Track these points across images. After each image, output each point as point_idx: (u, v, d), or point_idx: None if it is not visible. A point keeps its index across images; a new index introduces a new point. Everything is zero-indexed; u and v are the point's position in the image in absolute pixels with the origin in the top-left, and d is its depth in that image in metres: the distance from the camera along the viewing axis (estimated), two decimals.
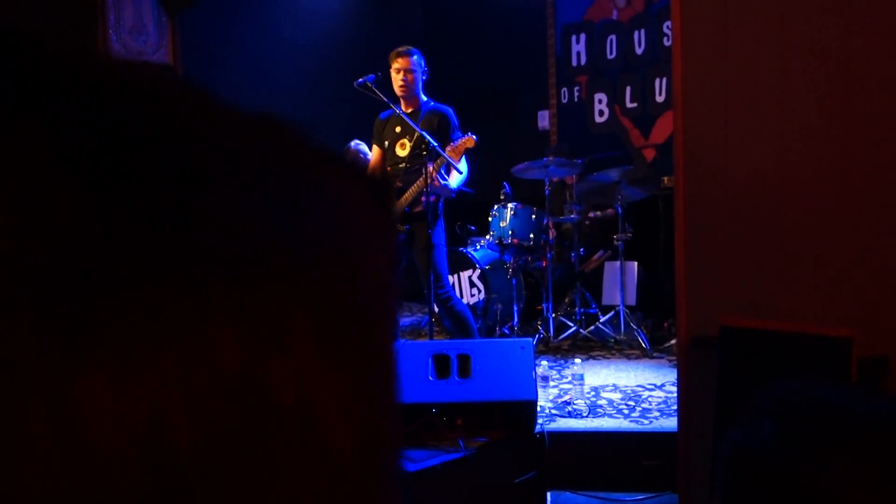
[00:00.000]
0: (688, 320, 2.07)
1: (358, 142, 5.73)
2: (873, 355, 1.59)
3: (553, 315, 4.86)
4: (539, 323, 4.96)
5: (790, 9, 2.02)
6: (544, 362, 3.94)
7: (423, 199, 3.70)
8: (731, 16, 2.02)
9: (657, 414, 3.35)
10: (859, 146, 1.83)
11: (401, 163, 3.95)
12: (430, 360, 3.14)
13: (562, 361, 4.43)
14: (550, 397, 3.63)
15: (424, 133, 3.61)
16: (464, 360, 3.14)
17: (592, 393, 3.72)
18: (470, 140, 3.58)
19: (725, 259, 1.98)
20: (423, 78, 3.97)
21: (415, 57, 3.90)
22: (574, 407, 3.46)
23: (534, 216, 5.00)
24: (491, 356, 3.13)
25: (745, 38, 2.10)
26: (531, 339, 3.35)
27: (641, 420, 3.28)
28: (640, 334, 4.62)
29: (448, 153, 3.61)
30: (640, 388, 3.79)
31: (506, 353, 3.13)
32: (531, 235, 4.97)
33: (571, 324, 4.91)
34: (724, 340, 1.70)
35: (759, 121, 2.03)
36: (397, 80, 3.90)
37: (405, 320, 5.68)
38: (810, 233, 1.86)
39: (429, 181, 3.60)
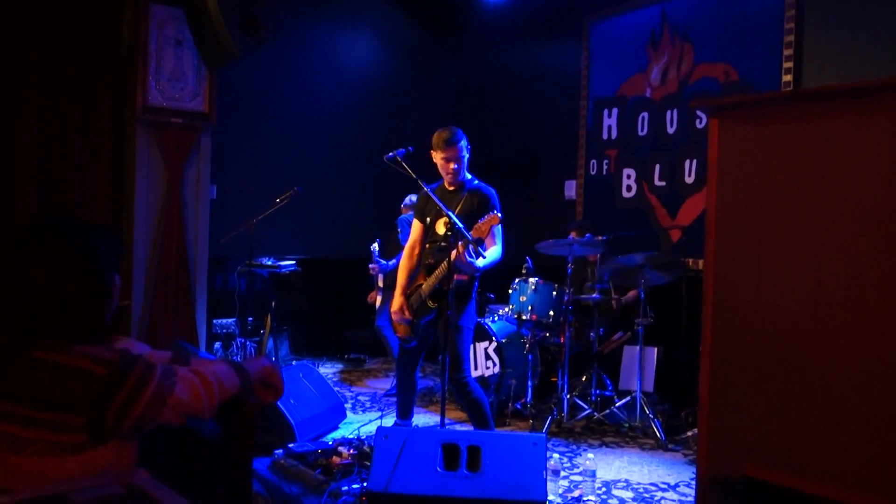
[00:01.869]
0: (709, 459, 2.00)
1: (412, 197, 5.78)
2: None
3: (567, 395, 4.78)
4: (553, 402, 4.88)
5: (832, 141, 1.98)
6: (556, 454, 3.85)
7: (456, 277, 3.66)
8: (770, 143, 1.98)
9: None
10: None
11: (438, 241, 3.94)
12: (439, 449, 3.08)
13: (574, 447, 4.33)
14: (560, 490, 3.54)
15: (450, 213, 3.59)
16: (474, 452, 3.07)
17: (604, 489, 3.63)
18: (495, 218, 3.54)
19: (752, 400, 1.92)
20: (468, 157, 3.96)
21: (462, 142, 3.88)
22: None
23: (555, 293, 4.95)
24: (502, 450, 3.06)
25: (783, 165, 2.06)
26: (544, 435, 3.28)
27: None
28: (655, 424, 4.52)
29: (473, 232, 3.58)
30: (653, 487, 3.68)
31: (517, 449, 3.07)
32: (551, 312, 4.92)
33: (586, 405, 4.82)
34: (748, 493, 1.63)
35: (794, 255, 1.98)
36: (447, 168, 3.88)
37: (421, 382, 5.61)
38: (844, 383, 1.79)
39: (454, 258, 3.57)
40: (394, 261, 5.69)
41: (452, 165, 3.87)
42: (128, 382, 1.61)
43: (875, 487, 1.66)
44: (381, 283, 5.86)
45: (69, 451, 1.58)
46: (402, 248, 5.41)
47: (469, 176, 3.99)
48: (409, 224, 5.46)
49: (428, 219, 4.01)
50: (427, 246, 4.02)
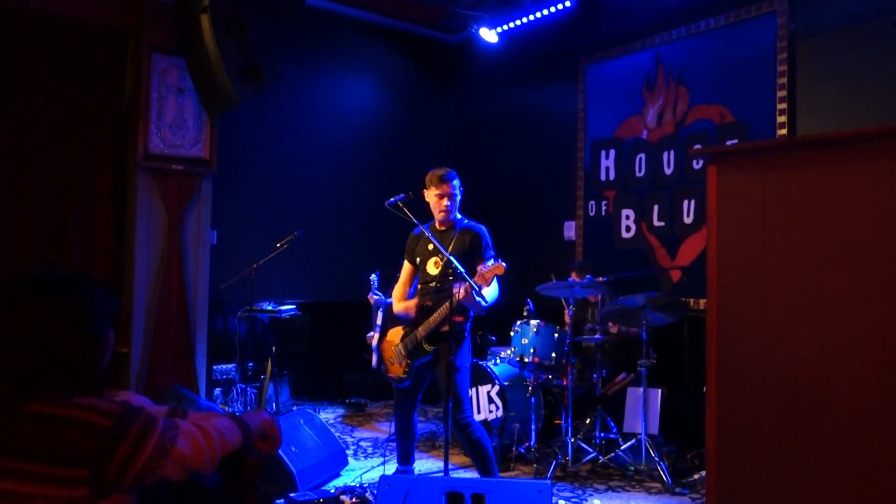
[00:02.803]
0: None
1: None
2: None
3: (572, 439, 4.73)
4: (557, 446, 4.82)
5: (830, 185, 1.99)
6: (562, 502, 3.79)
7: (451, 320, 3.65)
8: (770, 189, 2.00)
9: None
10: None
11: (431, 281, 3.94)
12: (443, 498, 3.03)
13: (580, 492, 4.27)
14: None
15: (452, 258, 3.60)
16: (478, 500, 3.02)
17: None
18: (499, 267, 3.55)
19: (760, 447, 1.90)
20: (460, 198, 4.00)
21: (455, 181, 3.94)
22: None
23: (556, 335, 4.94)
24: (507, 498, 3.01)
25: (783, 210, 2.07)
26: (549, 481, 3.24)
27: None
28: (661, 466, 4.46)
29: (476, 279, 3.59)
30: None
31: (522, 497, 3.02)
32: (553, 354, 4.90)
33: (590, 449, 4.77)
34: None
35: (798, 300, 1.98)
36: (439, 205, 3.92)
37: (421, 427, 5.55)
38: (854, 431, 1.78)
39: (462, 297, 3.58)
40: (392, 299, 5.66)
41: (445, 202, 3.90)
42: (130, 434, 1.59)
43: None
44: (379, 321, 5.78)
45: None
46: None
47: (459, 216, 4.01)
48: None
49: (418, 259, 4.02)
50: (420, 287, 4.01)
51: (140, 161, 5.75)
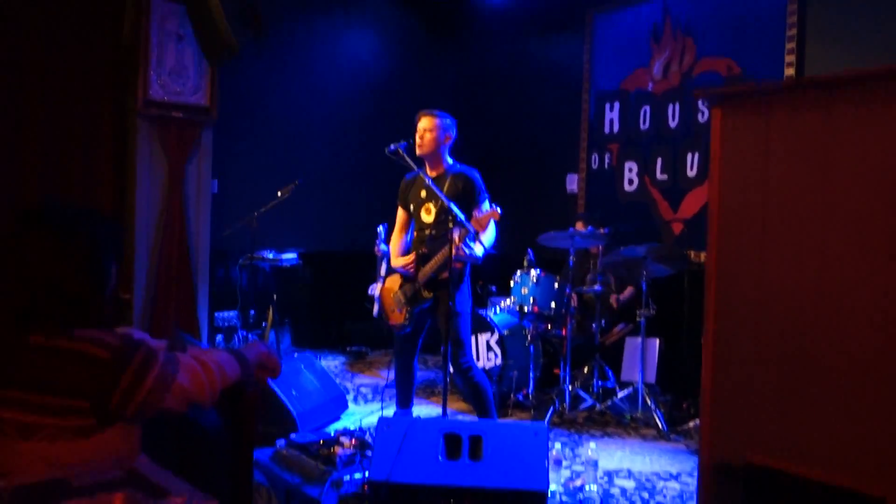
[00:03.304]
0: (711, 447, 2.00)
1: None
2: None
3: (570, 387, 4.79)
4: (555, 394, 4.88)
5: (835, 129, 1.98)
6: (557, 444, 3.86)
7: (450, 266, 3.66)
8: (772, 143, 1.99)
9: None
10: None
11: (426, 228, 3.94)
12: (441, 439, 3.09)
13: (576, 437, 4.34)
14: (562, 480, 3.55)
15: (451, 203, 3.59)
16: (476, 441, 3.08)
17: (605, 478, 3.64)
18: (495, 213, 3.55)
19: (754, 389, 1.92)
20: (448, 142, 3.93)
21: (437, 119, 3.88)
22: (586, 494, 3.38)
23: (556, 285, 4.96)
24: (504, 440, 3.07)
25: (786, 154, 2.06)
26: (546, 424, 3.29)
27: None
28: (657, 414, 4.52)
29: (473, 224, 3.58)
30: (655, 477, 3.69)
31: (519, 438, 3.07)
32: (552, 304, 4.93)
33: (588, 397, 4.83)
34: (750, 479, 1.64)
35: (797, 245, 1.98)
36: (417, 140, 3.89)
37: (421, 374, 5.60)
38: (846, 372, 1.80)
39: (454, 251, 3.58)
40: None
41: (419, 136, 3.86)
42: (131, 366, 1.61)
43: (874, 472, 1.66)
44: (382, 272, 5.79)
45: (79, 434, 1.59)
46: None
47: (451, 161, 3.98)
48: None
49: (412, 206, 4.01)
50: (416, 234, 4.01)
51: (140, 108, 5.70)
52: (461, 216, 3.52)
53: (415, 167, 3.78)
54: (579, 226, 5.37)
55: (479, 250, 3.71)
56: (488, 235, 3.74)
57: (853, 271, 1.88)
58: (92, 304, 1.73)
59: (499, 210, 3.55)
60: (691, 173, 5.57)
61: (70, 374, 1.58)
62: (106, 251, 1.75)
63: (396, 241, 4.10)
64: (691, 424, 4.47)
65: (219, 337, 6.16)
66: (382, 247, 5.65)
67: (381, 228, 5.74)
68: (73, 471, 1.60)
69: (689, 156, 5.59)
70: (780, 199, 2.04)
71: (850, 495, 1.49)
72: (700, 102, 5.47)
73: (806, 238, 1.98)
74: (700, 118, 5.50)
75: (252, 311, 6.13)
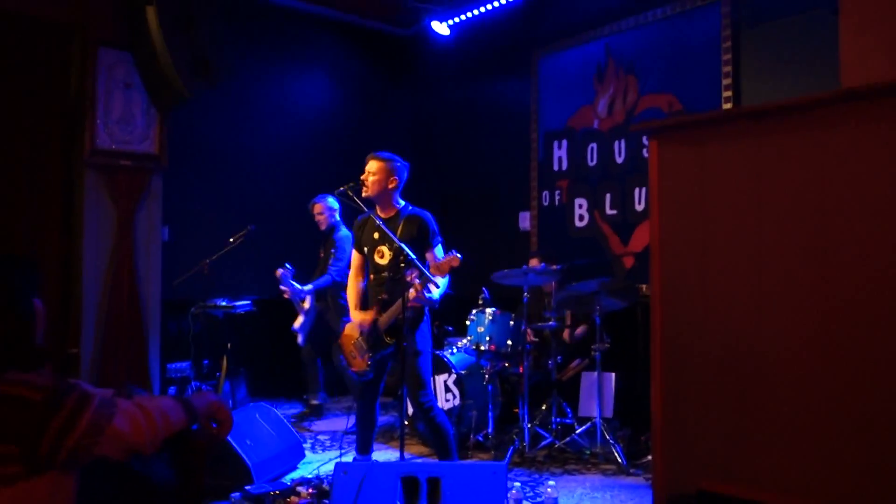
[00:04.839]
0: (664, 477, 2.01)
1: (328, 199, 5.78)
2: None
3: (529, 425, 4.77)
4: (514, 433, 4.86)
5: (766, 156, 2.05)
6: (517, 483, 3.83)
7: (408, 307, 3.65)
8: (708, 173, 2.05)
9: None
10: (840, 309, 1.82)
11: (382, 271, 3.92)
12: (398, 482, 3.03)
13: (536, 476, 4.31)
14: None
15: (404, 245, 3.60)
16: (434, 484, 3.03)
17: None
18: (455, 259, 3.57)
19: (704, 416, 1.94)
20: (395, 185, 3.90)
21: (384, 163, 3.87)
22: None
23: (512, 322, 4.97)
24: (462, 480, 3.03)
25: (722, 182, 2.12)
26: (504, 464, 3.26)
27: None
28: (616, 448, 4.53)
29: (432, 269, 3.61)
30: None
31: (477, 479, 3.03)
32: (508, 342, 4.93)
33: (547, 434, 4.82)
34: None
35: (737, 271, 2.03)
36: (365, 181, 3.89)
37: (382, 419, 5.53)
38: (791, 396, 1.83)
39: (414, 297, 3.59)
40: (310, 285, 5.61)
41: (370, 179, 3.86)
42: (63, 409, 1.56)
43: (823, 493, 1.68)
44: (307, 305, 5.72)
45: (4, 483, 1.52)
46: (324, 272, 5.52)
47: (402, 202, 3.99)
48: (343, 247, 5.46)
49: (366, 248, 3.99)
50: (372, 277, 3.98)
51: (87, 157, 5.64)
52: (416, 260, 3.53)
53: (365, 209, 3.79)
54: (535, 262, 5.42)
55: (435, 294, 3.71)
56: (442, 282, 3.75)
57: (793, 293, 1.93)
58: (19, 347, 1.69)
59: (459, 256, 3.58)
60: (639, 207, 5.69)
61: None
62: (25, 294, 1.73)
63: (353, 285, 4.07)
64: (650, 457, 4.47)
65: (171, 389, 6.01)
66: (290, 289, 5.58)
67: (281, 271, 5.66)
68: None
69: (637, 190, 5.71)
70: (717, 225, 2.10)
71: None
72: (644, 139, 5.62)
73: (745, 262, 2.03)
74: (645, 153, 5.63)
75: (206, 362, 6.01)
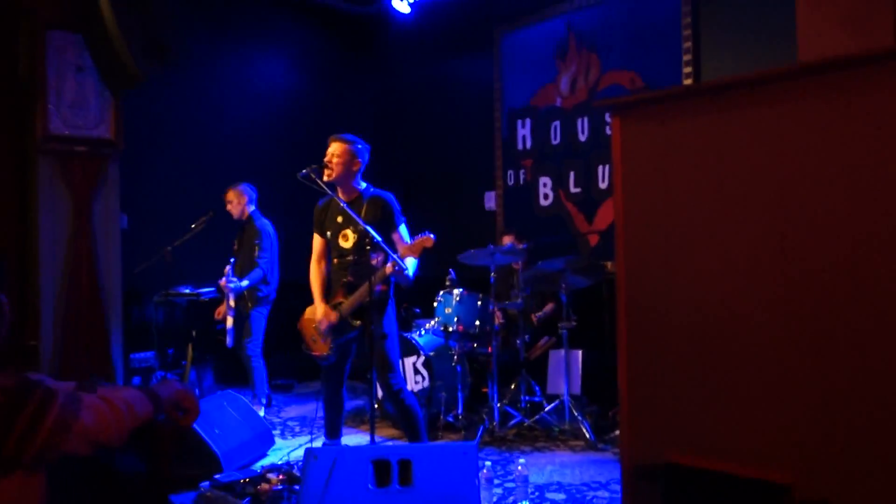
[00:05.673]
0: (631, 450, 2.03)
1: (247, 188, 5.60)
2: (814, 499, 1.57)
3: (498, 404, 4.80)
4: (484, 412, 4.88)
5: (730, 132, 2.05)
6: (488, 463, 3.84)
7: (373, 290, 3.63)
8: (670, 149, 2.05)
9: None
10: (799, 281, 1.84)
11: (347, 255, 3.88)
12: (369, 466, 3.03)
13: (507, 454, 4.34)
14: (495, 499, 3.53)
15: (369, 228, 3.57)
16: (405, 466, 3.03)
17: (536, 493, 3.64)
18: (428, 240, 3.55)
19: (669, 390, 1.96)
20: (358, 168, 3.85)
21: (346, 145, 3.82)
22: None
23: (479, 302, 4.98)
24: (433, 462, 3.03)
25: (685, 159, 2.13)
26: (475, 443, 3.27)
27: None
28: (584, 424, 4.58)
29: (405, 250, 3.60)
30: (584, 488, 3.72)
31: (448, 460, 3.04)
32: (477, 322, 4.94)
33: (516, 413, 4.85)
34: (669, 477, 1.67)
35: (701, 246, 2.04)
36: (329, 163, 3.83)
37: (349, 403, 5.52)
38: (755, 367, 1.85)
39: (389, 273, 3.58)
40: (247, 280, 5.31)
41: (333, 160, 3.80)
42: (27, 408, 1.52)
43: (781, 461, 1.72)
44: (232, 303, 5.42)
45: None
46: (254, 265, 5.29)
47: (364, 185, 3.95)
48: (268, 235, 5.31)
49: (328, 232, 3.94)
50: (336, 261, 3.94)
51: (40, 144, 5.48)
52: (382, 242, 3.51)
53: (328, 191, 3.74)
54: (508, 239, 5.43)
55: (410, 272, 3.70)
56: (412, 262, 3.73)
57: (756, 266, 1.95)
58: None
59: (433, 236, 3.56)
60: (603, 185, 5.72)
61: None
62: None
63: (316, 269, 4.01)
64: (618, 432, 4.53)
65: (136, 379, 5.92)
66: (232, 283, 5.32)
67: (228, 267, 5.48)
68: None
69: (600, 168, 5.73)
70: (680, 202, 2.10)
71: (760, 484, 1.53)
72: (607, 116, 5.63)
73: (707, 238, 2.05)
74: (608, 130, 5.65)
75: (170, 350, 5.92)
